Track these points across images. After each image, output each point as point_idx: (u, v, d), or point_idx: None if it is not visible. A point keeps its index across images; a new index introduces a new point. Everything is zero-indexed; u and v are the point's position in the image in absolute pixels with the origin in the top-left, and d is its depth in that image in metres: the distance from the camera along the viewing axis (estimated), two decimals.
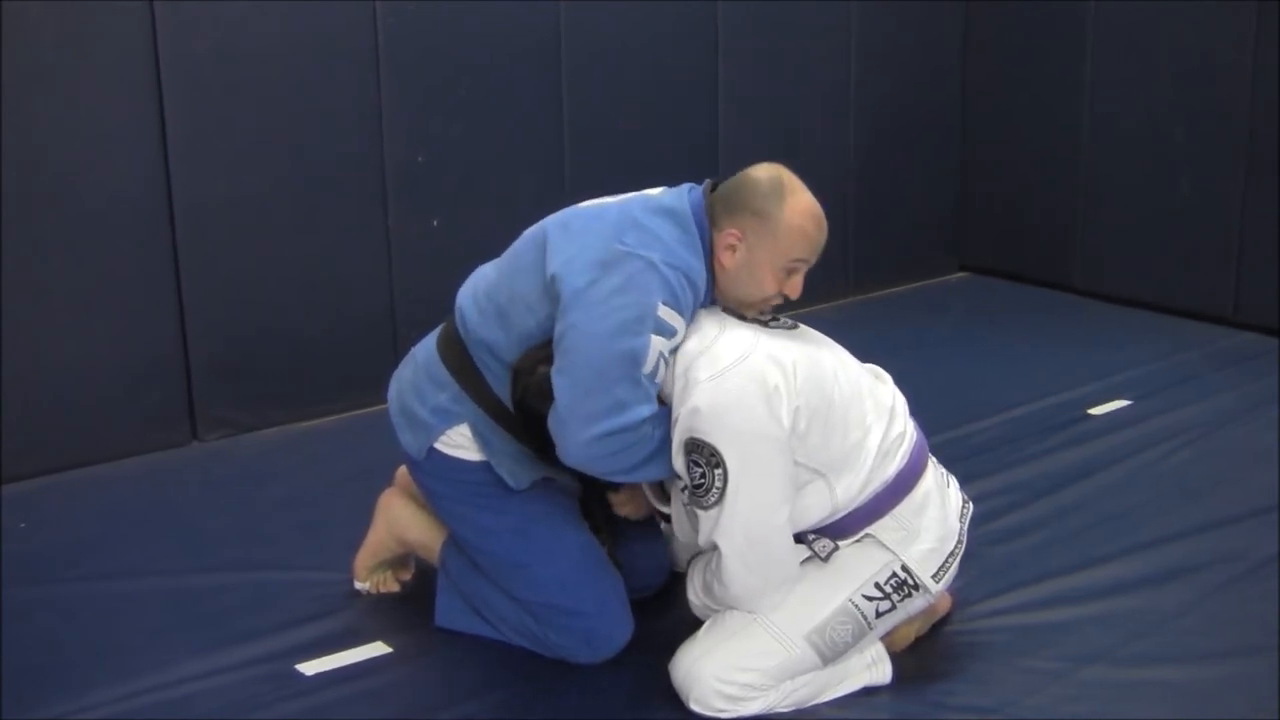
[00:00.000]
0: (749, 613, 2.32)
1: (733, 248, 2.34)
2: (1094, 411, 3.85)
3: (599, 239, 2.30)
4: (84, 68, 3.39)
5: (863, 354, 2.54)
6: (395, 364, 2.65)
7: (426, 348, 2.55)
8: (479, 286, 2.48)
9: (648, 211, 2.34)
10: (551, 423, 2.26)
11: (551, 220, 2.41)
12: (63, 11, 3.33)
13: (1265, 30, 4.43)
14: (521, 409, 2.36)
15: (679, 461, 2.26)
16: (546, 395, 2.26)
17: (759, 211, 2.33)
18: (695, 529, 2.34)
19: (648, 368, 2.22)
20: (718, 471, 2.21)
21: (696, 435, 2.21)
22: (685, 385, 2.24)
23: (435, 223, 4.00)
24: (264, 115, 3.69)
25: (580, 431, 2.22)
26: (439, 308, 2.54)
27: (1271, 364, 4.22)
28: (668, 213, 2.34)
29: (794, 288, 2.37)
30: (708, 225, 2.34)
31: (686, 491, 2.29)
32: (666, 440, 2.28)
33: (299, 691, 2.44)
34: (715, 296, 2.39)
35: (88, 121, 3.42)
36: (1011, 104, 5.29)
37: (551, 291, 2.29)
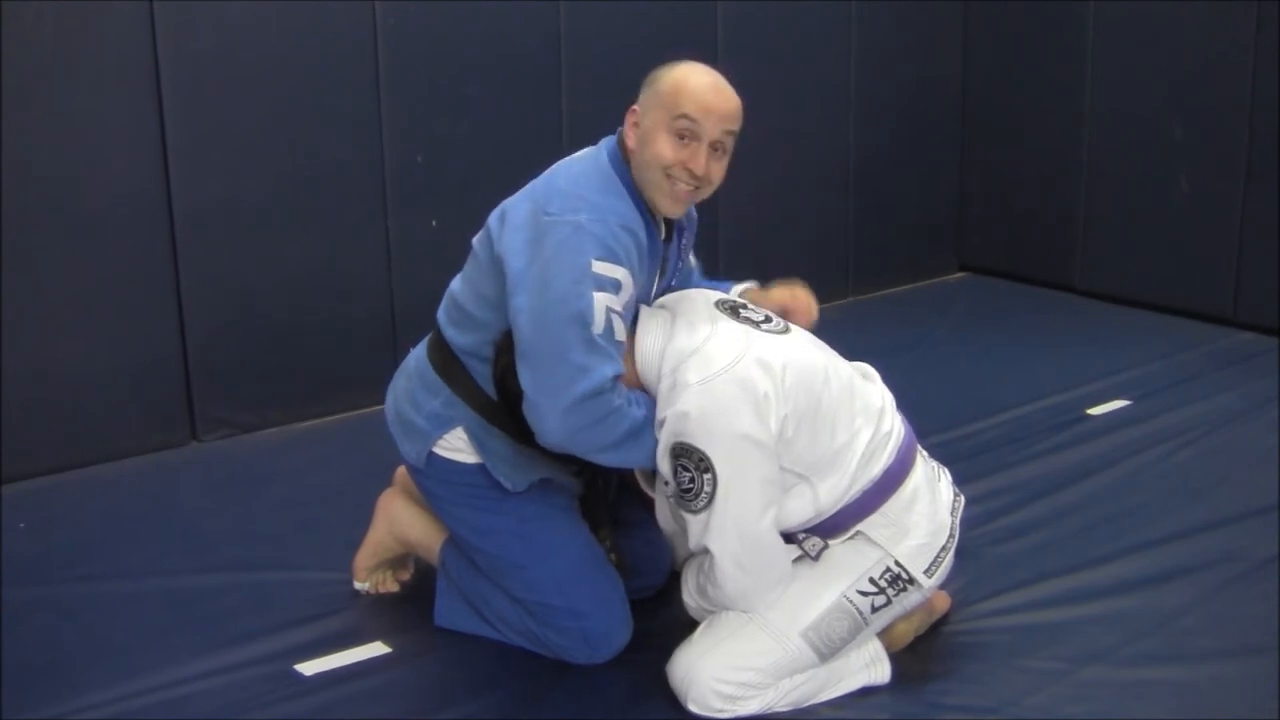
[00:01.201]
0: (744, 613, 2.32)
1: (635, 124, 2.35)
2: (1094, 411, 3.85)
3: (528, 217, 2.31)
4: (84, 68, 3.39)
5: (863, 354, 2.54)
6: (395, 364, 2.65)
7: (418, 356, 2.56)
8: (449, 299, 2.51)
9: (570, 176, 2.36)
10: (526, 411, 2.24)
11: (492, 215, 2.42)
12: (63, 11, 3.33)
13: (1265, 30, 4.43)
14: (503, 390, 2.35)
15: (665, 465, 2.26)
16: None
17: (649, 82, 2.36)
18: (682, 529, 2.34)
19: (598, 328, 2.19)
20: (706, 476, 2.21)
21: (684, 440, 2.21)
22: (674, 385, 2.24)
23: (434, 223, 4.01)
24: (264, 115, 3.70)
25: (551, 406, 2.19)
26: (438, 309, 2.55)
27: (1272, 364, 4.22)
28: (586, 170, 2.36)
29: (695, 159, 2.30)
30: (626, 167, 2.36)
31: (673, 494, 2.29)
32: (649, 420, 2.27)
33: (299, 691, 2.44)
34: (640, 194, 2.35)
35: (88, 122, 3.42)
36: (1011, 104, 5.29)
37: (502, 274, 2.31)
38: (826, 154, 5.02)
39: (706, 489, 2.22)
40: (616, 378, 2.22)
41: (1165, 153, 4.79)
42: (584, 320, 2.19)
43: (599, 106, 4.27)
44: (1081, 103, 5.01)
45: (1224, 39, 4.56)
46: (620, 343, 2.25)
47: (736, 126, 2.36)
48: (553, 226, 2.25)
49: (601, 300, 2.20)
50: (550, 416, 2.20)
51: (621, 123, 2.42)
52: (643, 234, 2.33)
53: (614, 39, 4.31)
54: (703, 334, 2.28)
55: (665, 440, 2.24)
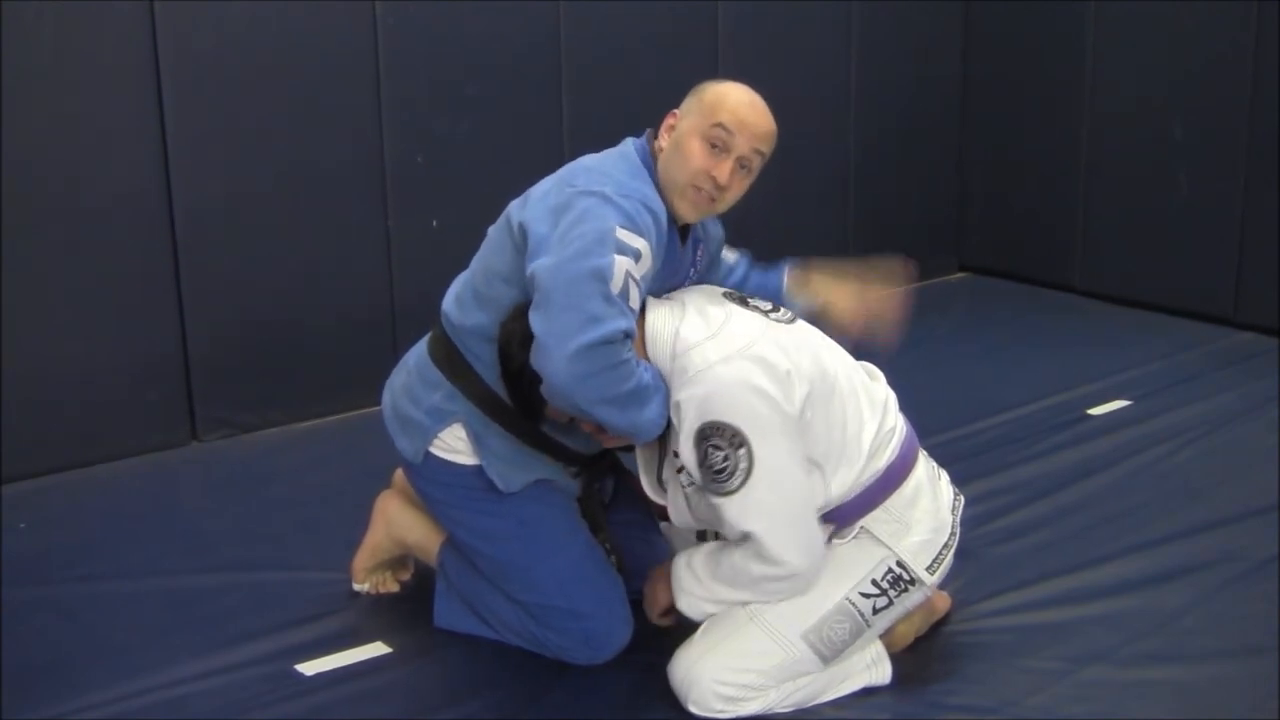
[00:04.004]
0: (789, 595, 2.28)
1: (672, 127, 2.40)
2: (1094, 411, 3.85)
3: (553, 189, 2.34)
4: (84, 68, 3.39)
5: (864, 353, 2.53)
6: (395, 364, 2.65)
7: (417, 352, 2.56)
8: (457, 287, 2.51)
9: (596, 159, 2.41)
10: (534, 358, 2.20)
11: (512, 203, 2.43)
12: (63, 11, 3.32)
13: (1265, 30, 4.43)
14: (505, 359, 2.33)
15: (690, 451, 2.22)
16: (528, 341, 2.22)
17: (694, 91, 2.41)
18: (700, 518, 2.32)
19: (615, 286, 2.18)
20: (741, 451, 2.18)
21: (713, 419, 2.18)
22: (688, 368, 2.22)
23: (435, 223, 4.01)
24: (264, 115, 3.69)
25: (559, 349, 2.14)
26: (439, 308, 2.55)
27: (1272, 364, 4.22)
28: (613, 157, 2.41)
29: (721, 167, 2.33)
30: (654, 163, 2.39)
31: (701, 480, 2.24)
32: (656, 389, 2.23)
33: (299, 691, 2.44)
34: (667, 203, 2.36)
35: (88, 121, 3.42)
36: (1011, 104, 5.29)
37: (522, 248, 2.31)
38: (826, 154, 5.02)
39: (742, 465, 2.19)
40: (628, 335, 2.19)
41: (1165, 153, 4.79)
42: (603, 276, 2.17)
43: (599, 106, 4.28)
44: (1081, 103, 5.01)
45: (1224, 39, 4.56)
46: (634, 310, 2.22)
47: (767, 149, 2.38)
48: (577, 196, 2.26)
49: (622, 263, 2.19)
50: (557, 359, 2.15)
51: (623, 122, 2.43)
52: (664, 218, 2.33)
53: (614, 39, 4.31)
54: (717, 319, 2.29)
55: (691, 424, 2.21)
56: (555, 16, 4.17)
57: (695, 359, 2.22)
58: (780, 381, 2.21)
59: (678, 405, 2.22)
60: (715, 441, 2.20)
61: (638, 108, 4.33)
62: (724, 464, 2.20)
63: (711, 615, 2.37)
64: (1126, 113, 4.90)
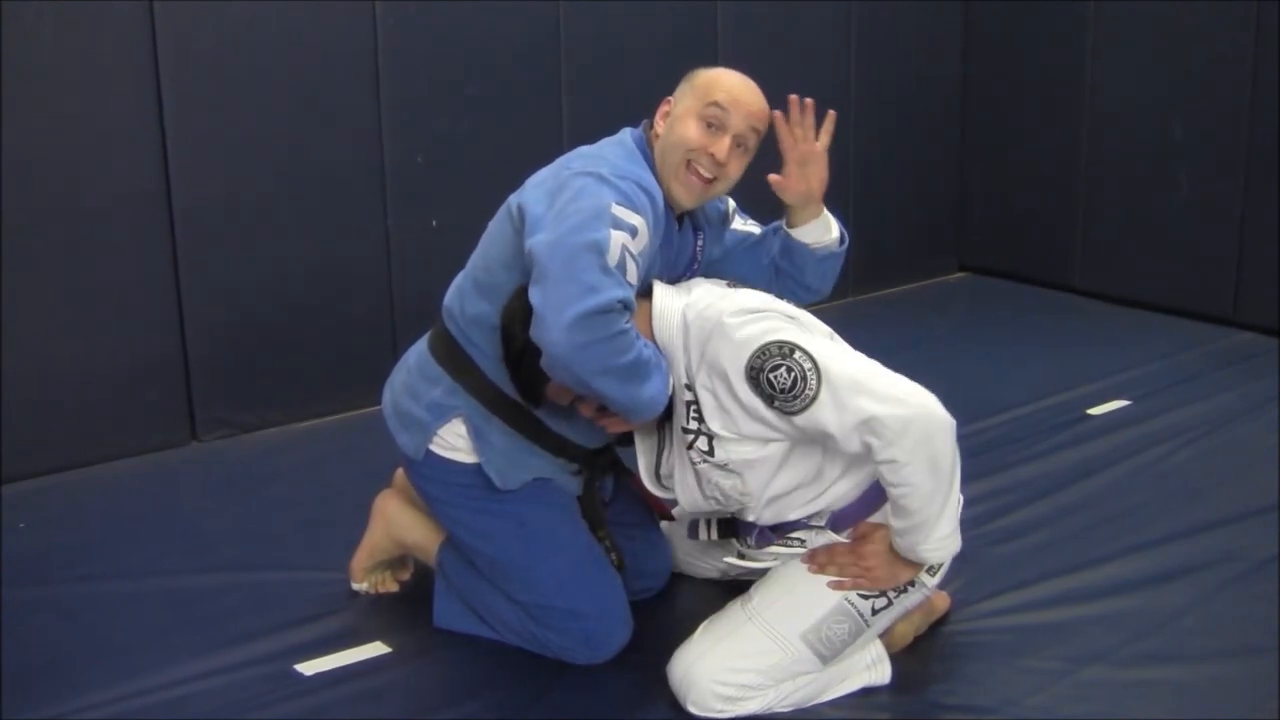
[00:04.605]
0: (947, 439, 2.22)
1: (667, 113, 2.43)
2: (1094, 411, 3.85)
3: (549, 174, 2.37)
4: (84, 68, 3.39)
5: (863, 354, 2.53)
6: (395, 363, 2.65)
7: (418, 350, 2.57)
8: (458, 283, 2.52)
9: (593, 146, 2.43)
10: (534, 330, 2.18)
11: (510, 195, 2.44)
12: (63, 11, 3.33)
13: (1265, 30, 4.43)
14: (508, 340, 2.33)
15: (755, 400, 2.20)
16: (529, 319, 2.20)
17: (687, 77, 2.45)
18: (711, 496, 2.32)
19: (612, 259, 2.17)
20: (797, 355, 2.18)
21: (759, 345, 2.19)
22: (709, 325, 2.24)
23: (434, 223, 4.01)
24: (264, 115, 3.69)
25: (557, 320, 2.13)
26: (439, 307, 2.55)
27: (1271, 364, 4.22)
28: (610, 143, 2.43)
29: (719, 144, 2.35)
30: (651, 151, 2.41)
31: (781, 421, 2.22)
32: (657, 365, 2.23)
33: (298, 691, 2.44)
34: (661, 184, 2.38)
35: (88, 121, 3.42)
36: (1011, 104, 5.29)
37: (520, 230, 2.31)
38: (827, 154, 5.01)
39: (806, 365, 2.17)
40: (625, 305, 2.17)
41: (1165, 153, 4.79)
42: (599, 249, 2.17)
43: (599, 106, 4.28)
44: (1081, 103, 5.01)
45: (1224, 39, 4.56)
46: (632, 284, 2.21)
47: (762, 126, 2.42)
48: (573, 177, 2.28)
49: (618, 237, 2.19)
50: (555, 329, 2.13)
51: (623, 123, 2.44)
52: (660, 200, 2.34)
53: (614, 39, 4.31)
54: (725, 292, 2.34)
55: (737, 370, 2.20)
56: (555, 16, 4.18)
57: (710, 315, 2.25)
58: (796, 320, 2.27)
59: (715, 356, 2.21)
60: (771, 364, 2.18)
61: (638, 108, 4.32)
62: (791, 377, 2.18)
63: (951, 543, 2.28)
64: (1126, 113, 4.90)
